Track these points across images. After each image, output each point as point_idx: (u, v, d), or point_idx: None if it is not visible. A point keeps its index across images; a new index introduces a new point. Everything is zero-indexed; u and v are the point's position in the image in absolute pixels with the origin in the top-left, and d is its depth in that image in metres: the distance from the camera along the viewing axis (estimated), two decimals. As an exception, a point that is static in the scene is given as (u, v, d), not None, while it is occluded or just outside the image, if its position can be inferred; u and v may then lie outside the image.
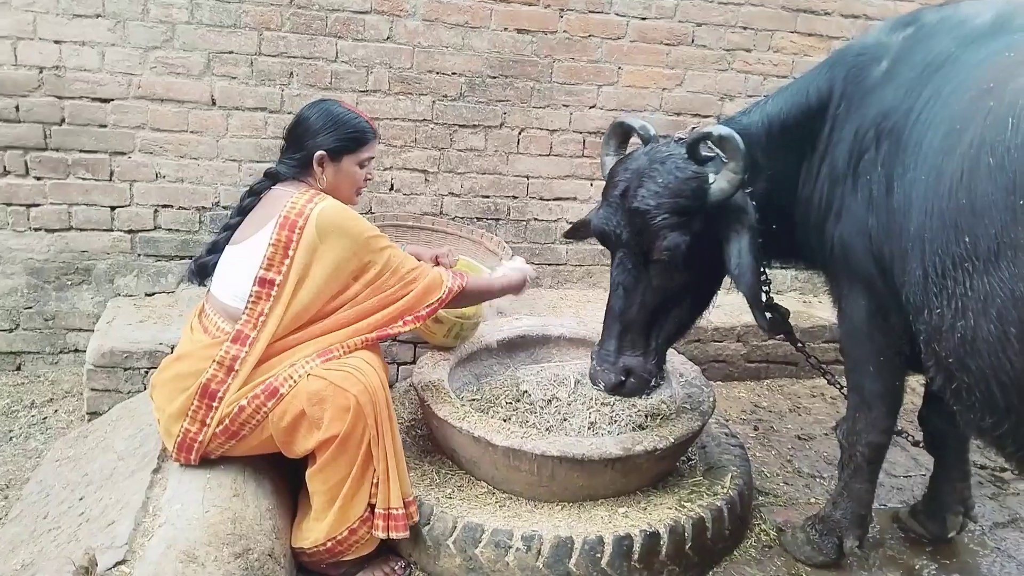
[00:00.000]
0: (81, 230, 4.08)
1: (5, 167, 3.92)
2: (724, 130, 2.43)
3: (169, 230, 4.20)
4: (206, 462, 2.44)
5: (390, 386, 2.61)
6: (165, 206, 4.16)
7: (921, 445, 2.95)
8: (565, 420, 2.89)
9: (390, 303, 2.50)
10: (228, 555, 2.11)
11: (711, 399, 2.97)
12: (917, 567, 2.85)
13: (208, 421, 2.36)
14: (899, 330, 2.43)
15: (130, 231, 4.15)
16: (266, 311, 2.38)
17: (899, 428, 2.97)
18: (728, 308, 4.44)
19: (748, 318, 3.02)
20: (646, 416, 2.95)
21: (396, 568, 2.56)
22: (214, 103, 4.10)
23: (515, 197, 4.65)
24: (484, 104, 4.45)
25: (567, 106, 4.58)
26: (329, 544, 2.41)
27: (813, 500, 3.23)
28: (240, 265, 2.44)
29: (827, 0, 4.77)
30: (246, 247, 2.45)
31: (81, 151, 3.99)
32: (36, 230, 4.02)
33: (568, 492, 2.65)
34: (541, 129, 4.58)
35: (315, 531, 2.42)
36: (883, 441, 2.65)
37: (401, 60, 4.27)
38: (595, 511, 2.62)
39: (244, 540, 2.19)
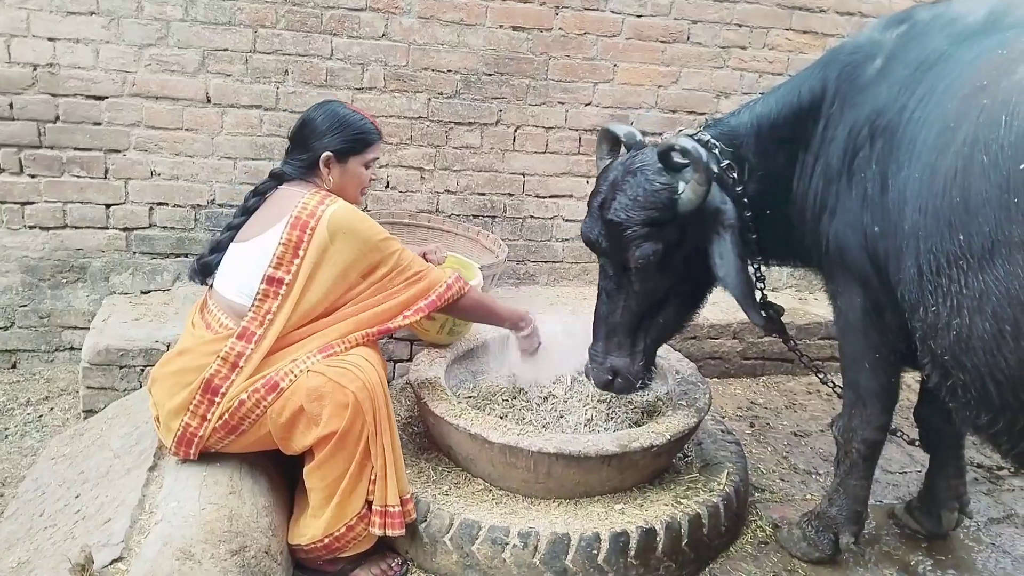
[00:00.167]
0: (76, 228, 4.07)
1: (-1, 165, 3.91)
2: (686, 142, 2.44)
3: (164, 228, 4.19)
4: (202, 459, 2.44)
5: (388, 383, 2.61)
6: (160, 204, 4.16)
7: (917, 444, 2.96)
8: (562, 417, 2.90)
9: (393, 298, 2.53)
10: (225, 552, 2.11)
11: (707, 396, 2.98)
12: (913, 563, 2.86)
13: (209, 416, 2.36)
14: (894, 327, 2.44)
15: (125, 229, 4.14)
16: (273, 309, 2.39)
17: (894, 428, 2.99)
18: (724, 305, 4.44)
19: (744, 315, 3.02)
20: (642, 413, 2.97)
21: (393, 565, 2.56)
22: (209, 101, 4.09)
23: (511, 194, 4.65)
24: (480, 101, 4.45)
25: (563, 103, 4.58)
26: (326, 541, 2.41)
27: (809, 496, 3.24)
28: (246, 262, 2.45)
29: (822, -3, 4.79)
30: (254, 245, 2.46)
31: (76, 149, 3.98)
32: (31, 228, 4.01)
33: (565, 489, 2.65)
34: (537, 127, 4.58)
35: (312, 528, 2.42)
36: (879, 438, 2.66)
37: (396, 57, 4.27)
38: (592, 508, 2.63)
39: (241, 537, 2.19)
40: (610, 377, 2.75)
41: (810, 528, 2.81)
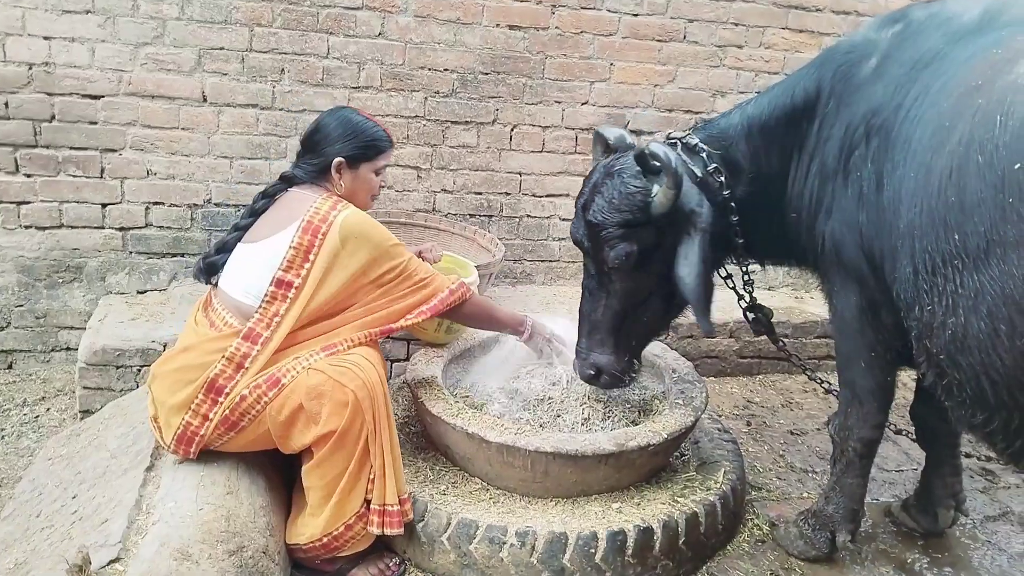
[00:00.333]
0: (72, 228, 4.07)
1: (-5, 164, 3.90)
2: (658, 147, 2.47)
3: (161, 227, 4.18)
4: (200, 459, 2.44)
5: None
6: (156, 203, 4.15)
7: (904, 434, 2.97)
8: (558, 416, 2.89)
9: (398, 302, 2.55)
10: (222, 552, 2.11)
11: (704, 395, 2.98)
12: (909, 561, 2.87)
13: (211, 416, 2.35)
14: (890, 326, 2.44)
15: (121, 228, 4.13)
16: (281, 312, 2.41)
17: (899, 428, 3.00)
18: (721, 304, 4.41)
19: (739, 314, 3.04)
20: (639, 412, 2.97)
21: (390, 564, 2.56)
22: (205, 100, 4.09)
23: (508, 194, 4.65)
24: (476, 100, 4.45)
25: (559, 102, 4.58)
26: (325, 540, 2.41)
27: (806, 495, 3.24)
28: (255, 263, 2.46)
29: (818, -4, 4.80)
30: (263, 246, 2.46)
31: (71, 148, 3.98)
32: (27, 228, 4.01)
33: (562, 488, 2.65)
34: (533, 126, 4.58)
35: (311, 527, 2.42)
36: (875, 436, 2.66)
37: (393, 56, 4.27)
38: (589, 507, 2.63)
39: (238, 537, 2.19)
40: (593, 372, 2.79)
41: (807, 526, 2.81)
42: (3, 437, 3.40)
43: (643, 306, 2.75)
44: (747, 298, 2.96)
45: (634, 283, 2.67)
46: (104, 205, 4.08)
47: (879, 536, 3.01)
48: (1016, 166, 1.77)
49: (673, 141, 2.71)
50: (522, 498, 2.67)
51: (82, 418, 3.38)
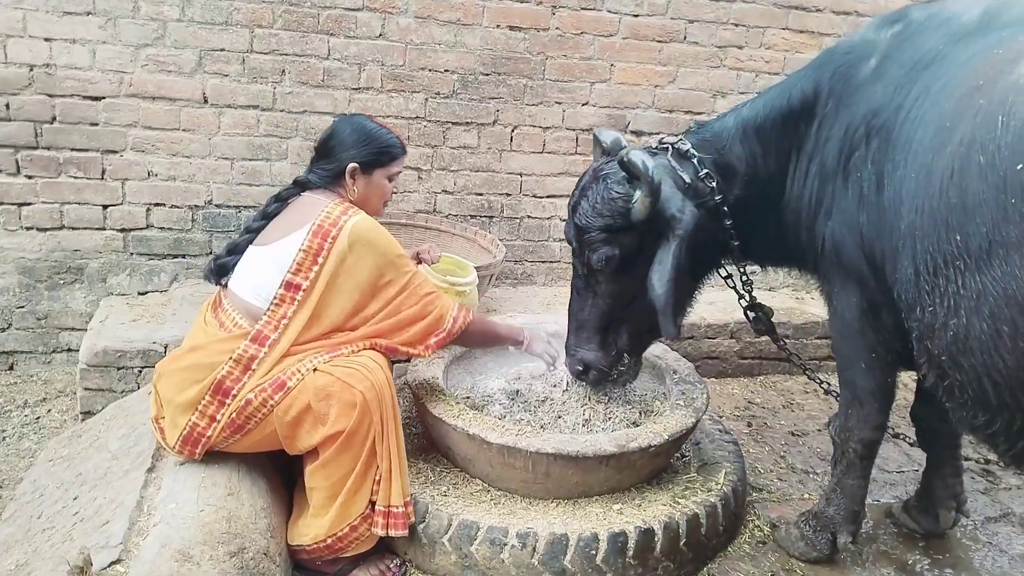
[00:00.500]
0: (73, 229, 4.07)
1: (-4, 166, 3.91)
2: (635, 156, 2.50)
3: (162, 229, 4.19)
4: (201, 461, 2.44)
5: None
6: (157, 204, 4.15)
7: (903, 438, 2.97)
8: (559, 418, 2.89)
9: (404, 327, 2.55)
10: (223, 554, 2.11)
11: (705, 396, 2.98)
12: (910, 562, 2.87)
13: (218, 417, 2.36)
14: (891, 327, 2.44)
15: (122, 230, 4.14)
16: (289, 315, 2.42)
17: (899, 432, 3.00)
18: (722, 305, 4.46)
19: (740, 315, 3.04)
20: (640, 413, 2.97)
21: (391, 566, 2.56)
22: (206, 101, 4.09)
23: (508, 195, 4.66)
24: (477, 101, 4.45)
25: (560, 103, 4.59)
26: (329, 541, 2.42)
27: (807, 496, 3.24)
28: (265, 265, 2.47)
29: (818, -3, 4.80)
30: (274, 249, 2.47)
31: (72, 149, 3.98)
32: (28, 229, 4.01)
33: (563, 489, 2.65)
34: (534, 126, 4.58)
35: (315, 528, 2.42)
36: (875, 437, 2.66)
37: (393, 57, 4.27)
38: (590, 508, 2.63)
39: (239, 539, 2.19)
40: (581, 368, 2.84)
41: (808, 528, 2.81)
42: (4, 438, 3.40)
43: (629, 307, 2.77)
44: (747, 298, 2.96)
45: (618, 285, 2.71)
46: (105, 206, 4.09)
47: (880, 537, 3.00)
48: (1018, 167, 1.76)
49: (665, 146, 2.73)
50: (523, 499, 2.67)
51: (83, 419, 3.38)
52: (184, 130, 4.10)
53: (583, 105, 4.62)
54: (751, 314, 2.99)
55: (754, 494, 3.21)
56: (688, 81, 4.74)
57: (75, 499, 2.43)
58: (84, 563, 1.91)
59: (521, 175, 4.65)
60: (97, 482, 2.49)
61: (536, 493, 2.67)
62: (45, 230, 4.03)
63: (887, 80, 2.34)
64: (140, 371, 3.49)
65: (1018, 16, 2.14)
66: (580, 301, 2.81)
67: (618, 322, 2.80)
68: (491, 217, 4.66)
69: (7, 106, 3.84)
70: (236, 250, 2.60)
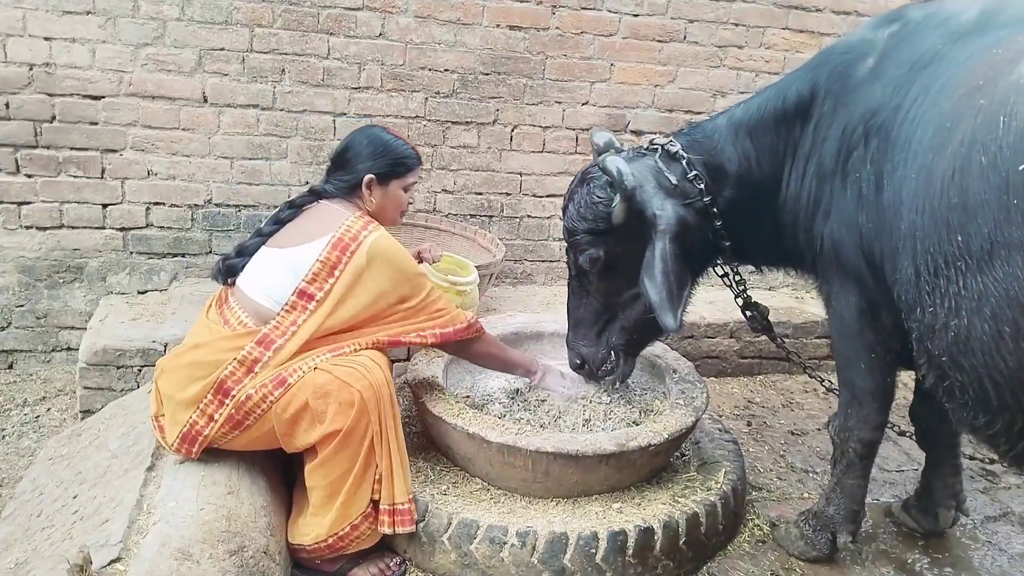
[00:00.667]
0: (73, 228, 4.07)
1: (-4, 165, 3.90)
2: (610, 162, 2.57)
3: (161, 228, 4.19)
4: (201, 459, 2.44)
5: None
6: (157, 203, 4.15)
7: (903, 433, 2.98)
8: (559, 417, 2.90)
9: (413, 330, 2.58)
10: (223, 552, 2.11)
11: (704, 395, 2.98)
12: (909, 561, 2.87)
13: (216, 417, 2.36)
14: (890, 327, 2.44)
15: (122, 229, 4.14)
16: (299, 323, 2.43)
17: (902, 429, 2.99)
18: (721, 304, 4.46)
19: (740, 314, 3.04)
20: (640, 412, 2.97)
21: (391, 564, 2.56)
22: (206, 100, 4.09)
23: (508, 194, 4.66)
24: (477, 101, 4.45)
25: (560, 103, 4.59)
26: (330, 540, 2.42)
27: (806, 495, 3.24)
28: (279, 269, 2.48)
29: (818, -3, 4.80)
30: (290, 253, 2.49)
31: (72, 149, 3.98)
32: (27, 228, 4.01)
33: (562, 488, 2.65)
34: (534, 126, 4.58)
35: (316, 527, 2.42)
36: (875, 437, 2.66)
37: (393, 57, 4.27)
38: (589, 507, 2.63)
39: (239, 537, 2.19)
40: (579, 362, 2.93)
41: (807, 527, 2.81)
42: (4, 437, 3.40)
43: (622, 306, 2.81)
44: (743, 297, 2.97)
45: (608, 284, 2.78)
46: (105, 205, 4.08)
47: (880, 536, 3.00)
48: (1020, 167, 1.75)
49: (654, 147, 2.75)
50: (523, 498, 2.67)
51: (83, 418, 3.38)
52: (184, 129, 4.09)
53: (583, 105, 4.63)
54: (748, 313, 3.00)
55: (754, 493, 3.21)
56: (688, 81, 4.74)
57: (75, 498, 2.43)
58: (84, 561, 1.91)
59: (521, 174, 4.65)
60: (97, 480, 2.49)
61: (536, 492, 2.67)
62: (45, 229, 4.03)
63: (885, 80, 2.33)
64: (140, 370, 3.49)
65: (1016, 15, 2.14)
66: (575, 299, 2.90)
67: (613, 320, 2.85)
68: (491, 216, 4.66)
69: (7, 105, 3.84)
70: (245, 252, 2.60)
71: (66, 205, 4.03)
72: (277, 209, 2.69)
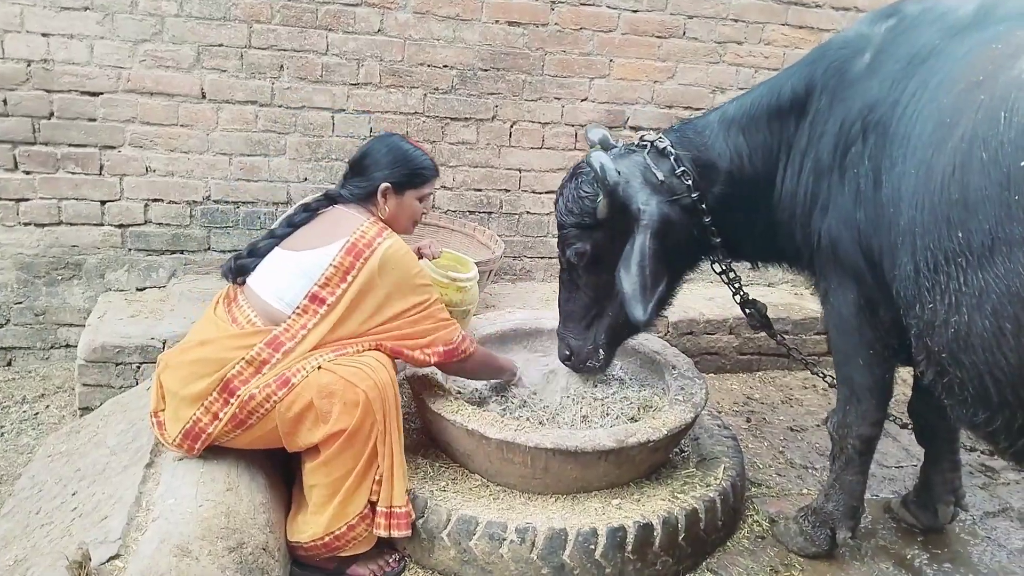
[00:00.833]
0: (71, 224, 4.06)
1: (-6, 161, 3.90)
2: (592, 157, 2.61)
3: (160, 224, 4.18)
4: (200, 456, 2.44)
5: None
6: (155, 200, 4.15)
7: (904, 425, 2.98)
8: (558, 413, 2.89)
9: (414, 337, 2.57)
10: (222, 549, 2.11)
11: (703, 391, 2.98)
12: (909, 557, 2.87)
13: (221, 415, 2.36)
14: (888, 323, 2.44)
15: (120, 225, 4.13)
16: (309, 326, 2.43)
17: (905, 422, 2.99)
18: (720, 301, 4.46)
19: (739, 311, 3.04)
20: (639, 408, 2.97)
21: (390, 561, 2.56)
22: (204, 96, 4.08)
23: (507, 190, 4.65)
24: (476, 97, 4.44)
25: (559, 99, 4.58)
26: (327, 539, 2.41)
27: (805, 491, 3.24)
28: (291, 271, 2.49)
29: (818, -8, 4.80)
30: (304, 257, 2.49)
31: (70, 145, 3.97)
32: (25, 225, 4.00)
33: (562, 484, 2.65)
34: (533, 122, 4.58)
35: (313, 525, 2.42)
36: (874, 433, 2.66)
37: (392, 53, 4.26)
38: (589, 503, 2.63)
39: (238, 534, 2.19)
40: (568, 353, 2.97)
41: (807, 523, 2.81)
42: (3, 434, 3.40)
43: (607, 300, 2.83)
44: (740, 294, 2.96)
45: (596, 278, 2.81)
46: (103, 202, 4.08)
47: (879, 532, 3.01)
48: (1022, 163, 1.75)
49: (644, 143, 2.75)
50: (522, 494, 2.67)
51: (82, 415, 3.38)
52: (182, 126, 4.09)
53: (582, 101, 4.62)
54: (746, 310, 3.00)
55: (753, 489, 3.22)
56: (687, 77, 4.74)
57: (73, 495, 2.43)
58: (83, 558, 1.90)
59: (520, 171, 4.64)
60: (96, 477, 2.49)
61: (535, 488, 2.67)
62: (43, 226, 4.03)
63: (883, 75, 2.32)
64: (138, 367, 3.48)
65: (1014, 10, 2.13)
66: (564, 292, 2.95)
67: (600, 313, 2.88)
68: (490, 213, 4.65)
69: (4, 102, 3.83)
70: (257, 252, 2.59)
71: (64, 202, 4.03)
72: (291, 211, 2.70)
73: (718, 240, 2.75)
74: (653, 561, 2.54)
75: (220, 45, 4.03)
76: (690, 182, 2.65)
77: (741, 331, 4.48)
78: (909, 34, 2.32)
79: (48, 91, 3.88)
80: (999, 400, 1.92)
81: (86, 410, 3.40)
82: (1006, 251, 1.78)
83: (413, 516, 2.50)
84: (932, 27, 2.27)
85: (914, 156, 2.08)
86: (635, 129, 4.69)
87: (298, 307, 2.44)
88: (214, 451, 2.45)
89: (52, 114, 3.91)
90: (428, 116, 4.41)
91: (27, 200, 3.97)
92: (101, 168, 4.03)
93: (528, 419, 2.84)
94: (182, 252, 4.24)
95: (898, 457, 3.59)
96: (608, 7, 4.50)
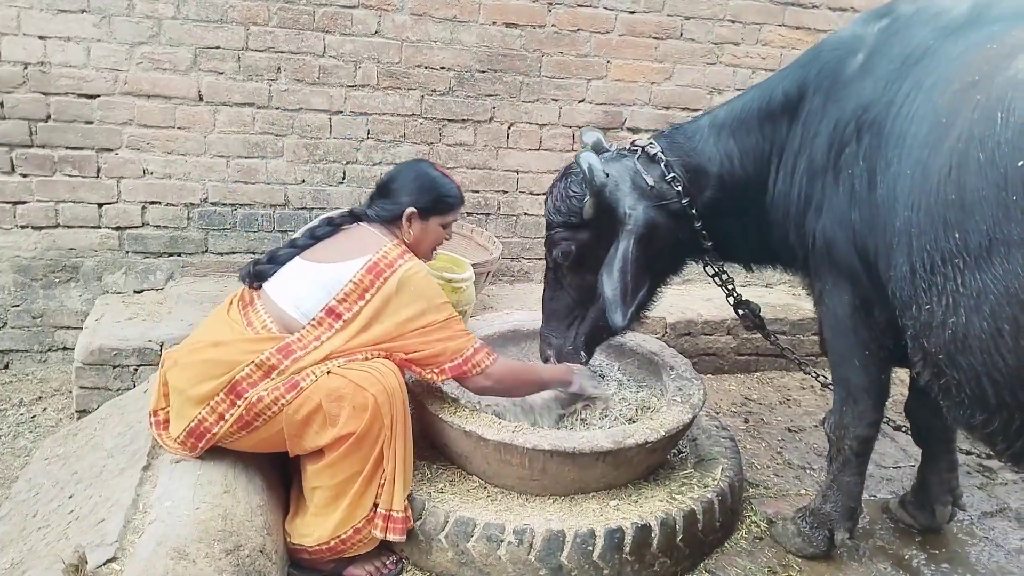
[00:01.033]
0: (68, 227, 4.06)
1: (-9, 164, 3.89)
2: (581, 158, 2.63)
3: (157, 227, 4.18)
4: (198, 458, 2.44)
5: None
6: (153, 203, 4.14)
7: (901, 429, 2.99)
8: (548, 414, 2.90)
9: (424, 348, 2.53)
10: (219, 552, 2.10)
11: (701, 392, 2.98)
12: (907, 557, 2.87)
13: (227, 416, 2.36)
14: (883, 324, 2.44)
15: (118, 228, 4.13)
16: (323, 339, 2.44)
17: (898, 424, 3.00)
18: (718, 301, 4.44)
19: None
20: (637, 409, 2.97)
21: (388, 563, 2.56)
22: (201, 99, 4.08)
23: (505, 192, 4.65)
24: (473, 99, 4.44)
25: (556, 100, 4.58)
26: (332, 543, 2.42)
27: (803, 491, 3.24)
28: (311, 282, 2.50)
29: (815, -7, 4.80)
30: (325, 269, 2.50)
31: (67, 148, 3.97)
32: (23, 228, 4.00)
33: (559, 486, 2.65)
34: (530, 123, 4.58)
35: (319, 528, 2.42)
36: (871, 434, 2.66)
37: (389, 55, 4.26)
38: (586, 504, 2.63)
39: (235, 536, 2.19)
40: (549, 352, 2.97)
41: (805, 524, 2.81)
42: (0, 437, 3.39)
43: (592, 300, 2.83)
44: (734, 295, 2.97)
45: (580, 279, 2.83)
46: (100, 205, 4.08)
47: (877, 532, 3.01)
48: (1019, 163, 1.75)
49: (635, 148, 2.77)
50: (520, 496, 2.67)
51: (79, 418, 3.38)
52: (179, 128, 4.08)
53: (579, 102, 4.62)
54: (740, 311, 3.02)
55: (751, 490, 3.22)
56: (684, 78, 4.74)
57: (71, 497, 2.43)
58: (79, 561, 1.90)
59: (518, 172, 4.64)
60: (93, 480, 2.48)
61: (533, 490, 2.66)
62: (40, 228, 4.02)
63: (876, 75, 2.32)
64: (136, 369, 3.48)
65: (1008, 10, 2.13)
66: (548, 291, 2.96)
67: (583, 314, 2.90)
68: (488, 214, 4.65)
69: (1, 104, 3.83)
70: (276, 260, 2.60)
71: (61, 204, 4.02)
72: (313, 223, 2.71)
73: (709, 244, 2.76)
74: (651, 562, 2.54)
75: (217, 47, 4.03)
76: (680, 188, 2.67)
77: (739, 332, 4.48)
78: (903, 34, 2.32)
79: (45, 94, 3.88)
80: (997, 402, 1.91)
81: (83, 413, 3.40)
82: (1004, 252, 1.78)
83: (412, 524, 2.50)
84: (926, 27, 2.27)
85: (910, 157, 2.08)
86: (633, 130, 4.69)
87: (314, 318, 2.45)
88: (212, 453, 2.45)
89: (49, 117, 3.91)
90: (425, 118, 4.41)
91: (24, 203, 3.97)
92: (98, 171, 4.03)
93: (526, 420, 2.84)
94: (179, 254, 4.24)
95: (896, 457, 3.59)
96: (605, 8, 4.51)
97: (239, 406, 2.34)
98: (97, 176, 4.04)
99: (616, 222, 2.63)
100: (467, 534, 2.48)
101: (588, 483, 2.67)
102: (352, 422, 2.34)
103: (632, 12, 4.54)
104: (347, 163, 4.35)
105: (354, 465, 2.38)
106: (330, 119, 4.27)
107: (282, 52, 4.11)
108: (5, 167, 3.91)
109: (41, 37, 3.81)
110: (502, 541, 2.45)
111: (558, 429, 2.78)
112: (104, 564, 1.98)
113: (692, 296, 4.62)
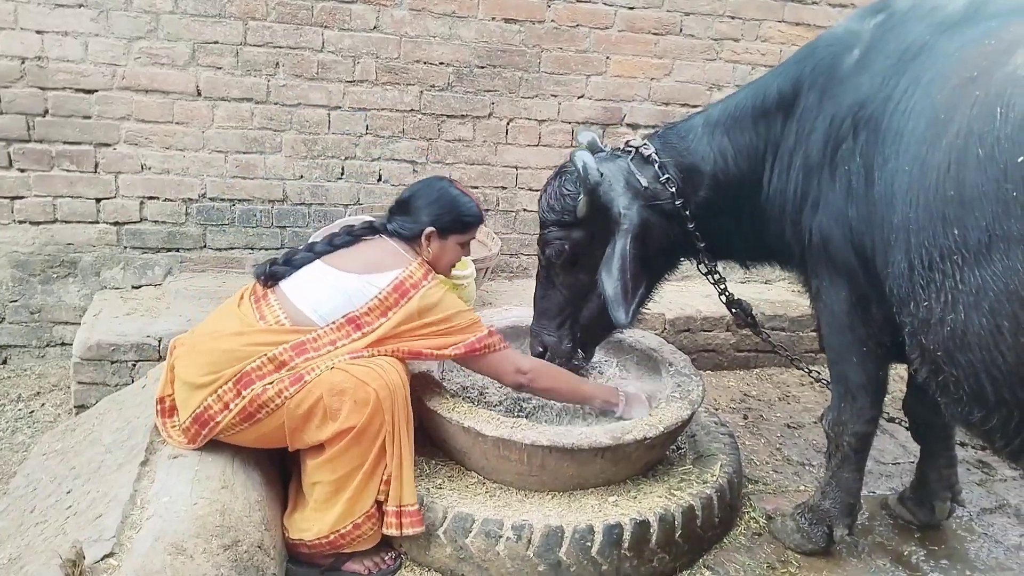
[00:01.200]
0: (66, 222, 4.05)
1: (-12, 159, 3.88)
2: (575, 157, 2.65)
3: (155, 222, 4.17)
4: (195, 453, 2.43)
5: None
6: (151, 198, 4.14)
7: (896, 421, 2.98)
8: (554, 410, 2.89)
9: (439, 336, 2.58)
10: (217, 547, 2.10)
11: (700, 388, 2.98)
12: (906, 553, 2.87)
13: (232, 406, 2.36)
14: (881, 321, 2.43)
15: (116, 223, 4.12)
16: (339, 344, 2.46)
17: (891, 416, 2.99)
18: (717, 300, 4.44)
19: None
20: (636, 406, 2.96)
21: (386, 558, 2.56)
22: (199, 94, 4.07)
23: (504, 187, 4.65)
24: (472, 94, 4.44)
25: (555, 96, 4.57)
26: (332, 538, 2.42)
27: (802, 488, 3.24)
28: (332, 287, 2.52)
29: (814, -11, 4.79)
30: (349, 278, 2.53)
31: (65, 143, 3.96)
32: (20, 223, 3.99)
33: (558, 482, 2.65)
34: (529, 119, 4.57)
35: (319, 523, 2.42)
36: (869, 431, 2.66)
37: (388, 50, 4.25)
38: (585, 500, 2.62)
39: (233, 532, 2.18)
40: (542, 350, 2.95)
41: (804, 520, 2.81)
42: (-2, 433, 3.39)
43: (583, 300, 2.86)
44: (727, 294, 2.98)
45: (572, 277, 2.84)
46: (98, 200, 4.07)
47: (876, 529, 3.01)
48: (1020, 159, 1.74)
49: (629, 149, 2.78)
50: (518, 492, 2.66)
51: (77, 413, 3.37)
52: (177, 123, 4.08)
53: (579, 98, 4.61)
54: (733, 309, 3.03)
55: (750, 486, 3.21)
56: (684, 74, 4.73)
57: (68, 493, 2.42)
58: (77, 556, 1.90)
59: (517, 168, 4.64)
60: (90, 476, 2.48)
61: (531, 485, 2.66)
62: (38, 223, 4.02)
63: (873, 71, 2.31)
64: (134, 365, 3.48)
65: (1004, 6, 2.12)
66: (541, 290, 2.96)
67: (575, 313, 2.90)
68: (486, 210, 4.64)
69: (-1, 99, 3.83)
70: (293, 263, 2.61)
71: (59, 199, 4.02)
72: (332, 229, 2.74)
73: (702, 244, 2.78)
74: (650, 558, 2.54)
75: (215, 42, 4.02)
76: (674, 188, 2.68)
77: (738, 328, 4.47)
78: (899, 30, 2.31)
79: (42, 88, 3.87)
80: (996, 399, 1.91)
81: (81, 408, 3.40)
82: (1004, 248, 1.77)
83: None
84: (922, 23, 2.26)
85: (907, 153, 2.07)
86: (632, 127, 4.69)
87: (333, 323, 2.47)
88: (210, 448, 2.46)
89: (47, 111, 3.90)
90: (424, 113, 4.40)
91: (22, 198, 3.96)
92: (96, 166, 4.02)
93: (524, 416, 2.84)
94: (178, 250, 4.23)
95: (895, 453, 3.59)
96: (605, 4, 4.50)
97: (244, 396, 2.35)
98: (95, 171, 4.03)
99: (610, 222, 2.64)
100: (466, 530, 2.47)
101: (587, 479, 2.67)
102: (353, 416, 2.34)
103: (631, 8, 4.53)
104: (345, 159, 4.35)
105: (354, 460, 2.38)
106: (328, 114, 4.26)
107: (280, 47, 4.10)
108: (3, 162, 3.90)
109: (38, 31, 3.80)
110: (501, 537, 2.45)
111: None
112: (101, 559, 1.97)
113: (691, 292, 4.62)
